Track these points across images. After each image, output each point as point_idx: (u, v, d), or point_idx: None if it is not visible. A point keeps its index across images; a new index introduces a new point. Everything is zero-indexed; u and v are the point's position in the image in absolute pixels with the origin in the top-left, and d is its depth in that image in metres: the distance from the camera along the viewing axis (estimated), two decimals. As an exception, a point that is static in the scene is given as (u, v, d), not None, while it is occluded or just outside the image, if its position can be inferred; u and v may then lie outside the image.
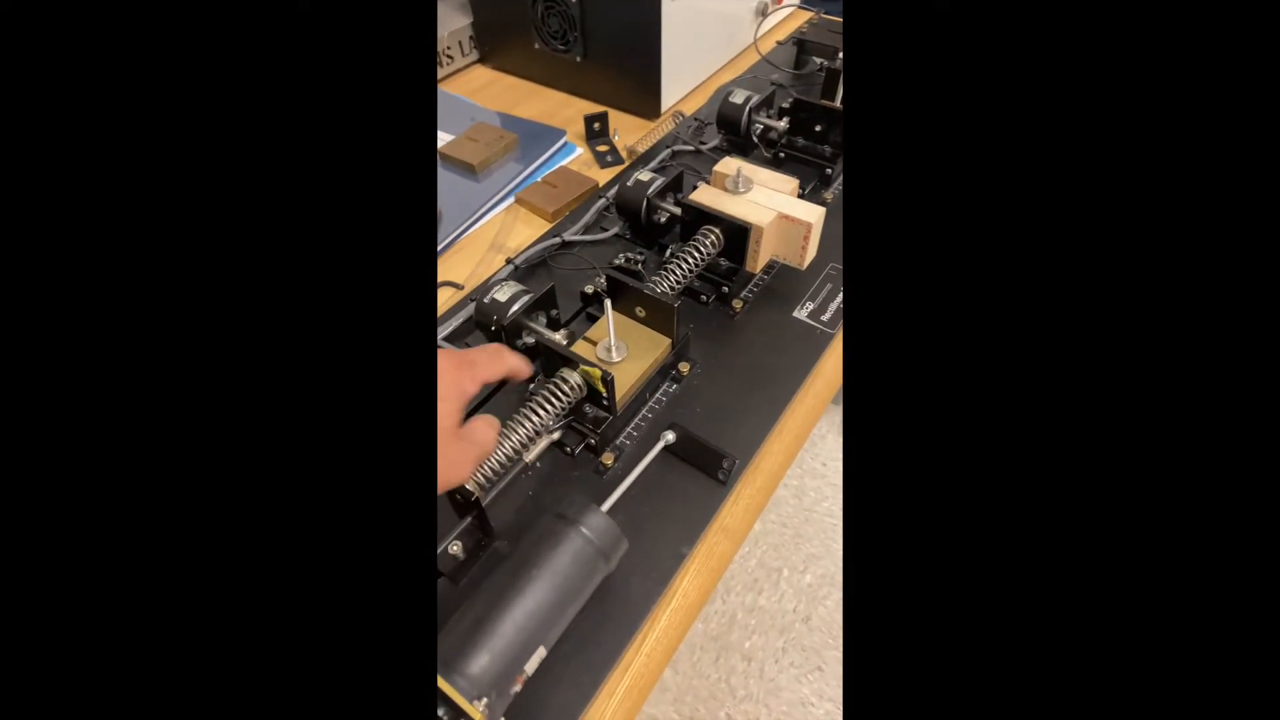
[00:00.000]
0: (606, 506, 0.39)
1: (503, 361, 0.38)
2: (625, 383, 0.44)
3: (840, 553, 1.17)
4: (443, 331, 0.52)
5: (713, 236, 0.51)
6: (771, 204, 0.51)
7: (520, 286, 0.46)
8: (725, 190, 0.52)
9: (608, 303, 0.44)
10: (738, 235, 0.50)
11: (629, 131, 0.75)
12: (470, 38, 0.86)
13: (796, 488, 1.27)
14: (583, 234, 0.60)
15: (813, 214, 0.50)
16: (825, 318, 0.53)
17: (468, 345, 0.51)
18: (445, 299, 0.58)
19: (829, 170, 0.63)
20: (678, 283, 0.49)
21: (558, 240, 0.59)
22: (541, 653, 0.31)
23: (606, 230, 0.61)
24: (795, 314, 0.53)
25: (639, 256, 0.54)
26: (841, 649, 1.06)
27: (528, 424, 0.40)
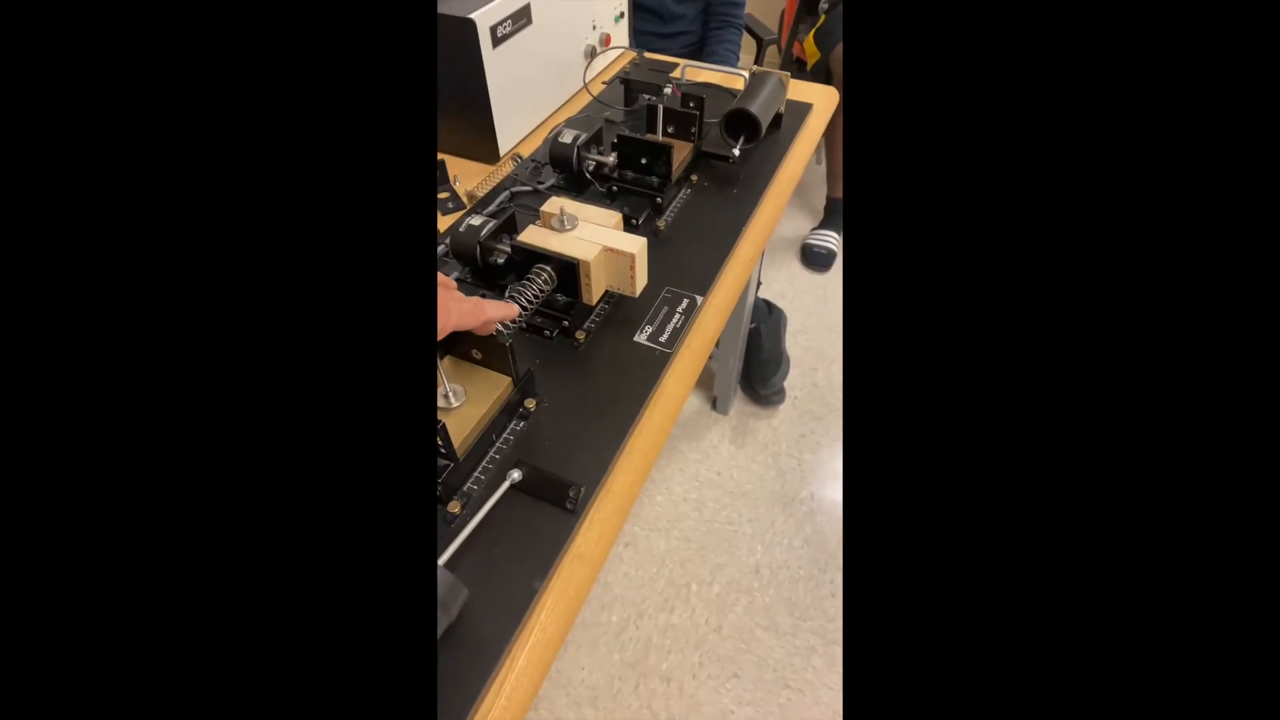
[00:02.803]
0: (445, 557, 0.39)
1: (483, 312, 0.44)
2: (464, 428, 0.44)
3: (743, 558, 1.21)
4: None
5: (545, 274, 0.53)
6: (596, 238, 0.53)
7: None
8: (552, 229, 0.54)
9: (435, 354, 0.44)
10: (568, 271, 0.52)
11: (470, 176, 0.76)
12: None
13: (696, 500, 1.30)
14: (424, 283, 0.60)
15: (635, 245, 0.52)
16: (663, 339, 0.56)
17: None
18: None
19: (659, 200, 0.67)
20: (515, 320, 0.50)
21: (396, 292, 0.58)
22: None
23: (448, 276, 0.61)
24: (636, 338, 0.56)
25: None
26: (754, 653, 1.09)
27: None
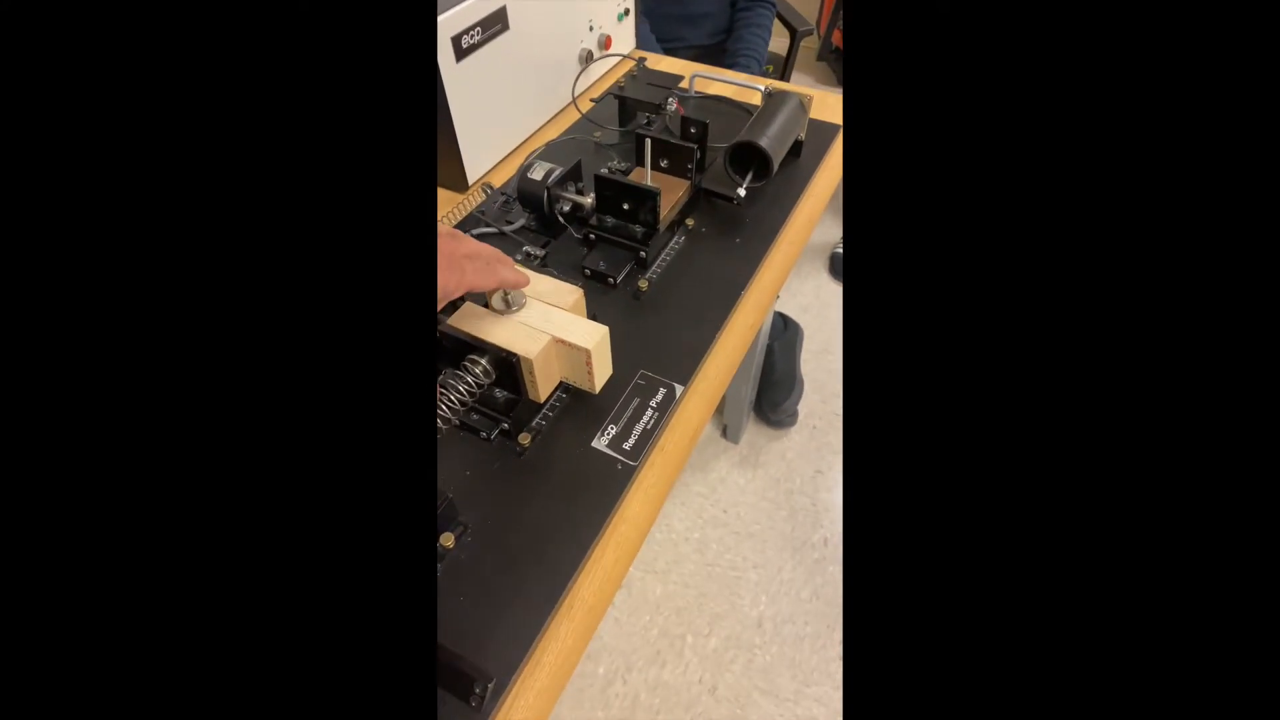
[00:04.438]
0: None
1: (496, 274, 0.40)
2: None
3: (745, 610, 1.11)
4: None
5: (480, 367, 0.42)
6: (546, 325, 0.43)
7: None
8: (494, 308, 0.44)
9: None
10: (505, 367, 0.42)
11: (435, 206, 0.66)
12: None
13: (699, 540, 1.21)
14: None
15: (591, 337, 0.42)
16: (628, 445, 0.45)
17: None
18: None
19: (643, 253, 0.56)
20: (440, 423, 0.41)
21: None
22: None
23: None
24: (595, 443, 0.45)
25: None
26: (749, 719, 1.00)
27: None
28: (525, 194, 0.58)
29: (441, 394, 0.42)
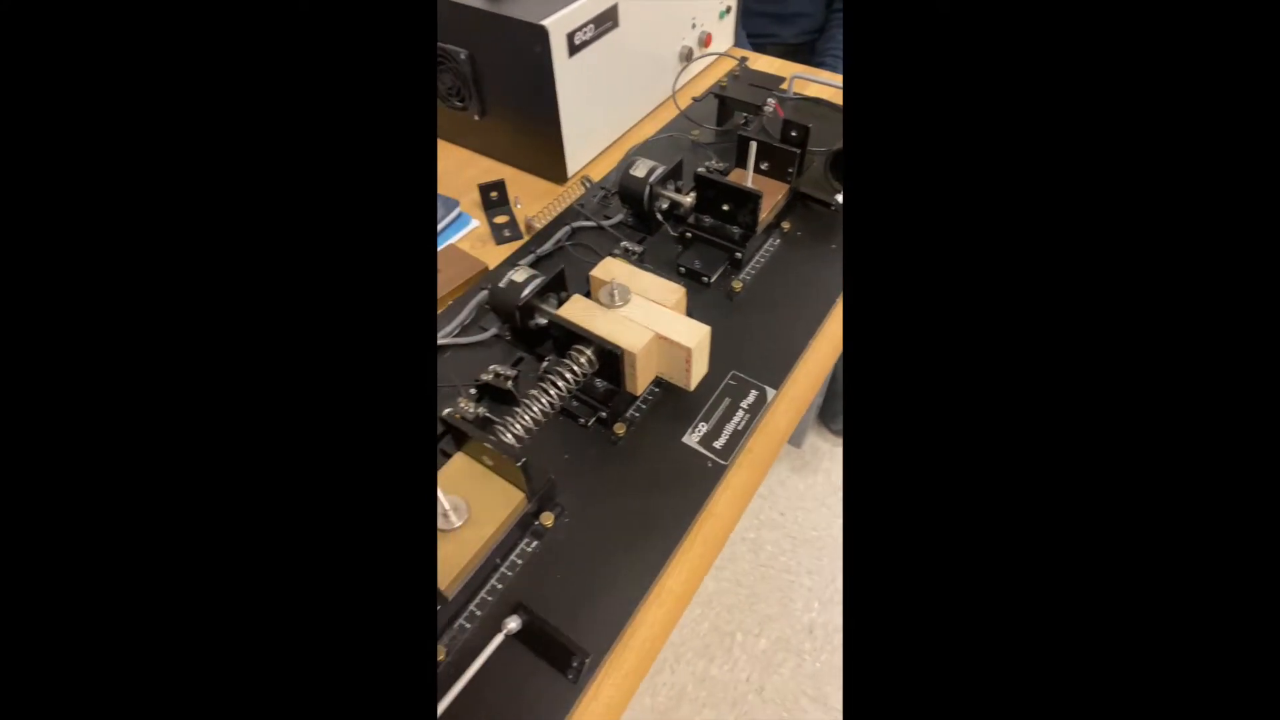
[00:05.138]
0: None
1: None
2: (460, 556, 0.37)
3: (797, 614, 1.11)
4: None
5: (584, 357, 0.44)
6: (650, 321, 0.44)
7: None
8: (600, 303, 0.46)
9: (436, 467, 0.37)
10: (609, 359, 0.43)
11: (533, 199, 0.68)
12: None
13: (753, 541, 1.21)
14: (458, 336, 0.53)
15: (693, 336, 0.43)
16: (719, 444, 0.46)
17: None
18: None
19: (739, 254, 0.57)
20: (544, 410, 0.43)
21: (425, 348, 0.52)
22: None
23: (486, 330, 0.54)
24: (685, 439, 0.47)
25: (510, 373, 0.47)
26: (795, 724, 1.00)
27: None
28: (626, 190, 0.59)
29: (548, 380, 0.44)
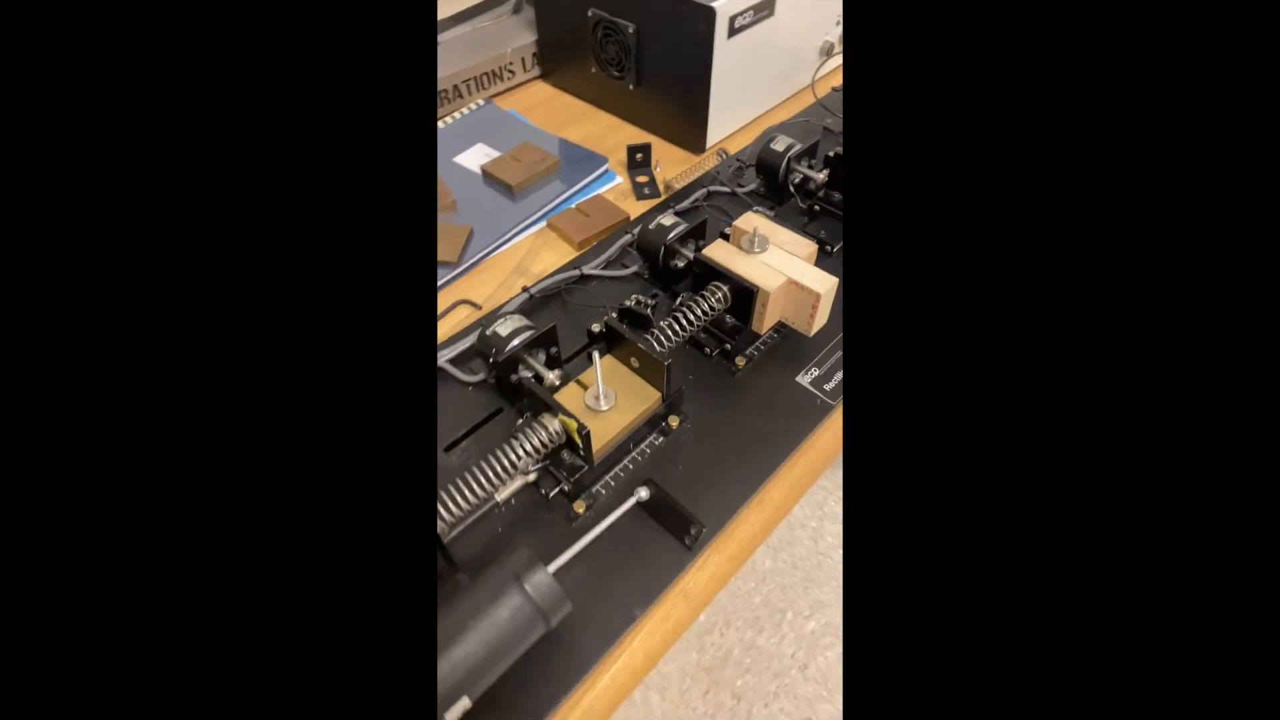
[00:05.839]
0: (563, 560, 0.40)
1: None
2: (606, 434, 0.45)
3: (849, 604, 1.14)
4: (452, 351, 0.54)
5: (720, 293, 0.51)
6: (784, 267, 0.50)
7: (524, 321, 0.48)
8: (740, 248, 0.52)
9: (595, 354, 0.45)
10: (744, 296, 0.50)
11: (671, 164, 0.75)
12: (534, 54, 0.88)
13: (815, 530, 1.24)
14: (602, 269, 0.61)
15: (824, 284, 0.48)
16: (828, 387, 0.52)
17: (471, 370, 0.53)
18: (462, 318, 0.60)
19: (862, 229, 0.62)
20: (678, 334, 0.49)
21: (576, 273, 0.60)
22: (465, 703, 0.32)
23: (627, 268, 0.61)
24: (798, 379, 0.52)
25: (650, 301, 0.54)
26: (834, 703, 1.03)
27: (501, 463, 0.41)
28: (764, 162, 0.65)
29: (682, 311, 0.50)
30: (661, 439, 0.48)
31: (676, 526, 0.43)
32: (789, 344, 0.55)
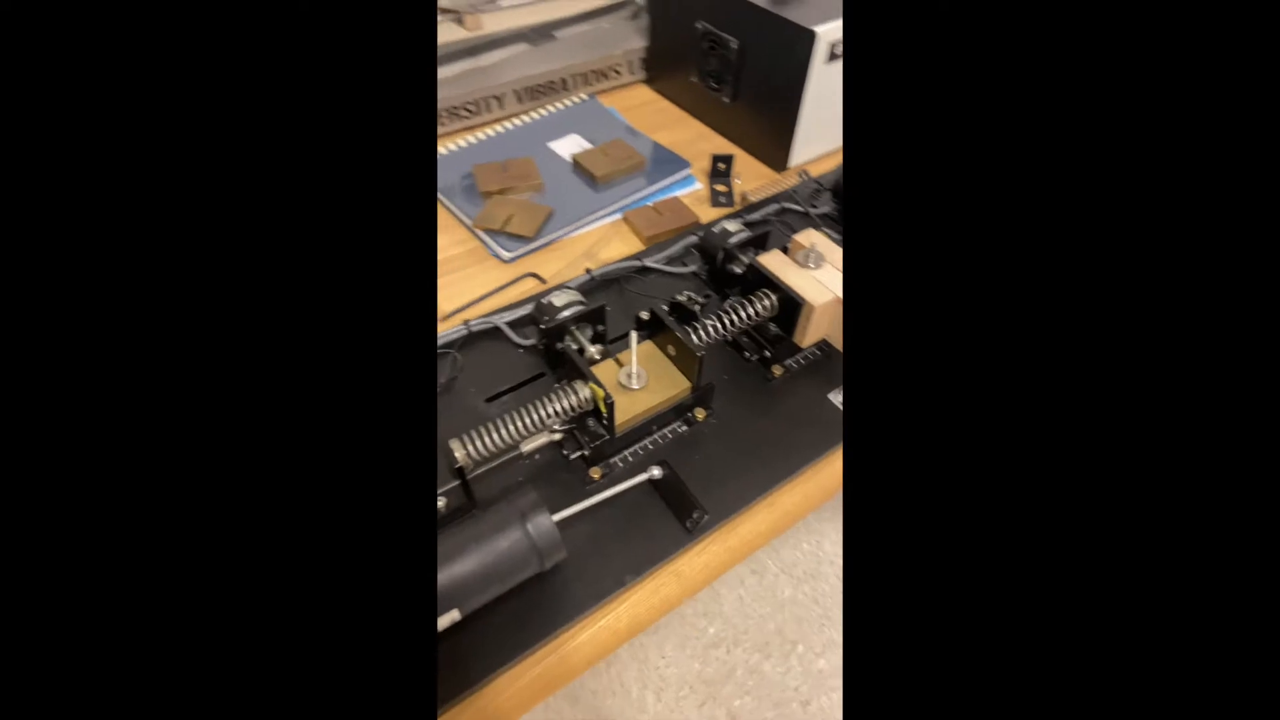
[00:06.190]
0: (568, 513, 0.43)
1: None
2: (632, 410, 0.47)
3: (863, 651, 1.10)
4: (510, 315, 0.58)
5: (767, 300, 0.52)
6: (835, 286, 0.51)
7: (578, 297, 0.51)
8: (795, 261, 0.53)
9: (633, 334, 0.47)
10: (790, 307, 0.51)
11: (751, 178, 0.77)
12: (642, 59, 0.92)
13: (840, 567, 1.22)
14: (663, 264, 0.64)
15: (869, 306, 0.49)
16: (859, 409, 0.52)
17: (525, 335, 0.57)
18: (527, 288, 0.64)
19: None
20: (719, 332, 0.51)
21: (637, 264, 0.63)
22: (455, 615, 0.35)
23: (686, 266, 0.64)
24: (830, 396, 0.53)
25: (701, 299, 0.56)
26: (829, 747, 1.01)
27: (530, 418, 0.44)
28: (839, 187, 0.66)
29: (729, 311, 0.52)
30: (685, 428, 0.51)
31: (681, 508, 0.45)
32: (829, 363, 0.56)
